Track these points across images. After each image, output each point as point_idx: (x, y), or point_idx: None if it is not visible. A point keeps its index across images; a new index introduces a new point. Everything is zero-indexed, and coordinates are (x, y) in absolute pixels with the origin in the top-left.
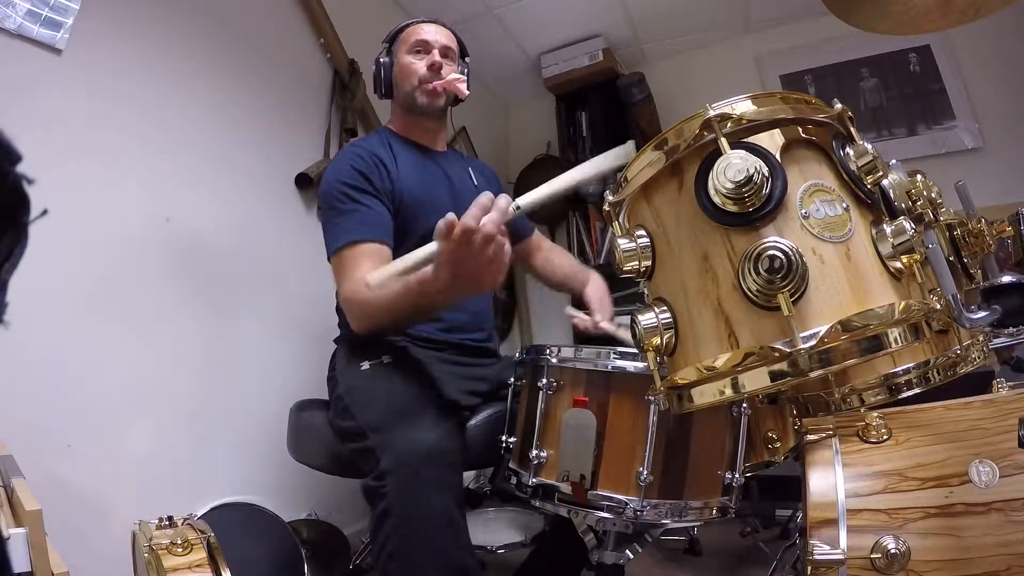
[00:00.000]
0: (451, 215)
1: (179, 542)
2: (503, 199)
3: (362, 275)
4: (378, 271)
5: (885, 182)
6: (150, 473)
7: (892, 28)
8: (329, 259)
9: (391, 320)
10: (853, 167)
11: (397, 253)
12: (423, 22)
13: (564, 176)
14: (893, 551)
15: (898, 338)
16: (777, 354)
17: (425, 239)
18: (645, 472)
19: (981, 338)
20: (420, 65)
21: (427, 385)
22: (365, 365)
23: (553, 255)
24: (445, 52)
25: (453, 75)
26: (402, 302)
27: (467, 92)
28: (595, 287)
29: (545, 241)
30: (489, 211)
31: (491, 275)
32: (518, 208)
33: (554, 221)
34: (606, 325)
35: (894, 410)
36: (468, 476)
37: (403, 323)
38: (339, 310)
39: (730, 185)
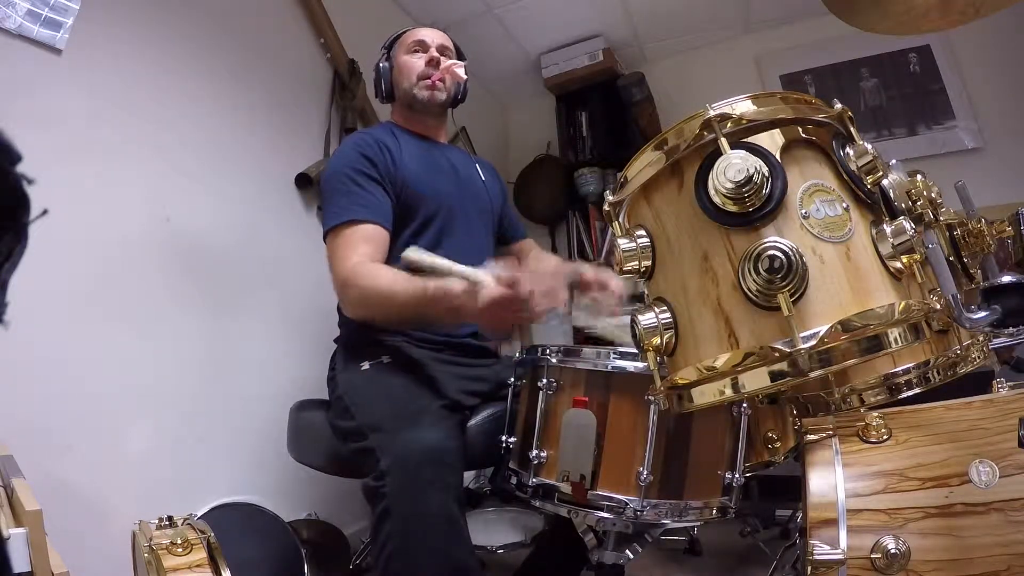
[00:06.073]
0: (518, 275)
1: (179, 542)
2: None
3: (359, 256)
4: (421, 252)
5: (885, 182)
6: (150, 473)
7: (892, 28)
8: (324, 238)
9: (389, 315)
10: (853, 167)
11: (397, 236)
12: (420, 27)
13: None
14: (893, 551)
15: (898, 338)
16: (777, 354)
17: (426, 224)
18: (645, 472)
19: (981, 338)
20: (418, 62)
21: (427, 385)
22: (365, 365)
23: (540, 260)
24: (442, 51)
25: (450, 62)
26: (413, 303)
27: (464, 76)
28: (587, 267)
29: (535, 247)
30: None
31: (506, 327)
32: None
33: (554, 221)
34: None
35: (894, 410)
36: (468, 476)
37: (396, 322)
38: (339, 309)
39: (730, 185)
